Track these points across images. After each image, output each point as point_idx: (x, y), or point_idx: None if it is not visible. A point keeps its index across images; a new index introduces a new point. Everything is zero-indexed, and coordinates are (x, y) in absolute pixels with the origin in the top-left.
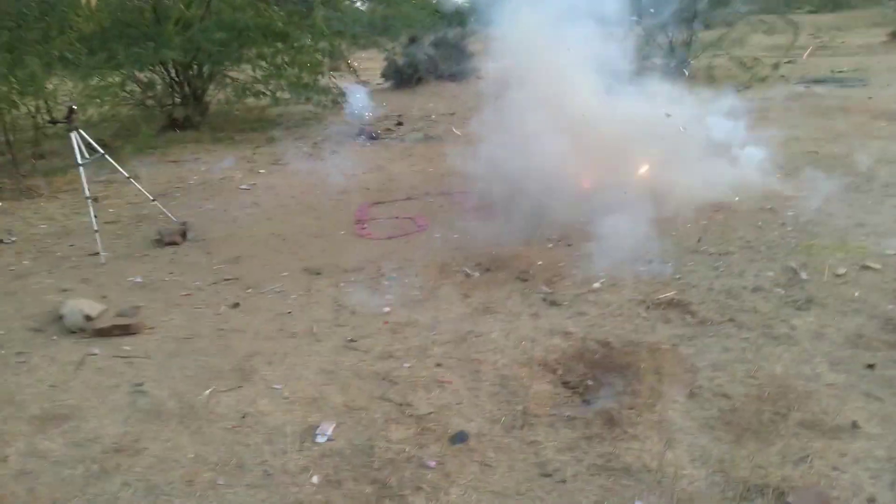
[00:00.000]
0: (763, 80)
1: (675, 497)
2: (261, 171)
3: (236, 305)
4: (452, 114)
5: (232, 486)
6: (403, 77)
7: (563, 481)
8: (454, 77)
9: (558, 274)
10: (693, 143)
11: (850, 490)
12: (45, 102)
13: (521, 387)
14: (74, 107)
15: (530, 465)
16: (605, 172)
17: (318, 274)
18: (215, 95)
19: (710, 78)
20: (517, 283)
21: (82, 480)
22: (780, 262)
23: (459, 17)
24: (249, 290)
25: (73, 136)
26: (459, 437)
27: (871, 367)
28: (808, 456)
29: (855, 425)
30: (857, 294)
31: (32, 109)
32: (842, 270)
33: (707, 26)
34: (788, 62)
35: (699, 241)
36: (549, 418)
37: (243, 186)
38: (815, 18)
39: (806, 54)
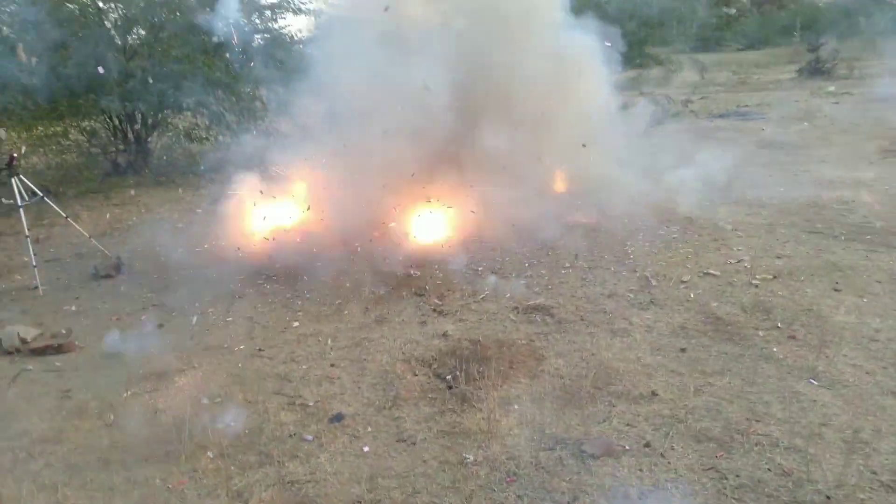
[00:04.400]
0: (675, 115)
1: (497, 449)
2: (197, 210)
3: (160, 326)
4: None
5: (142, 463)
6: None
7: (414, 443)
8: None
9: (451, 289)
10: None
11: (633, 439)
12: None
13: (398, 378)
14: (15, 154)
15: (391, 434)
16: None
17: (239, 296)
18: (158, 141)
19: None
20: (413, 298)
21: (10, 464)
22: (638, 273)
23: None
24: (174, 314)
25: (14, 181)
26: (336, 418)
27: (683, 350)
28: (610, 417)
29: (654, 393)
30: (692, 296)
31: None
32: (686, 278)
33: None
34: (702, 98)
35: (575, 257)
36: (414, 401)
37: (179, 225)
38: (742, 56)
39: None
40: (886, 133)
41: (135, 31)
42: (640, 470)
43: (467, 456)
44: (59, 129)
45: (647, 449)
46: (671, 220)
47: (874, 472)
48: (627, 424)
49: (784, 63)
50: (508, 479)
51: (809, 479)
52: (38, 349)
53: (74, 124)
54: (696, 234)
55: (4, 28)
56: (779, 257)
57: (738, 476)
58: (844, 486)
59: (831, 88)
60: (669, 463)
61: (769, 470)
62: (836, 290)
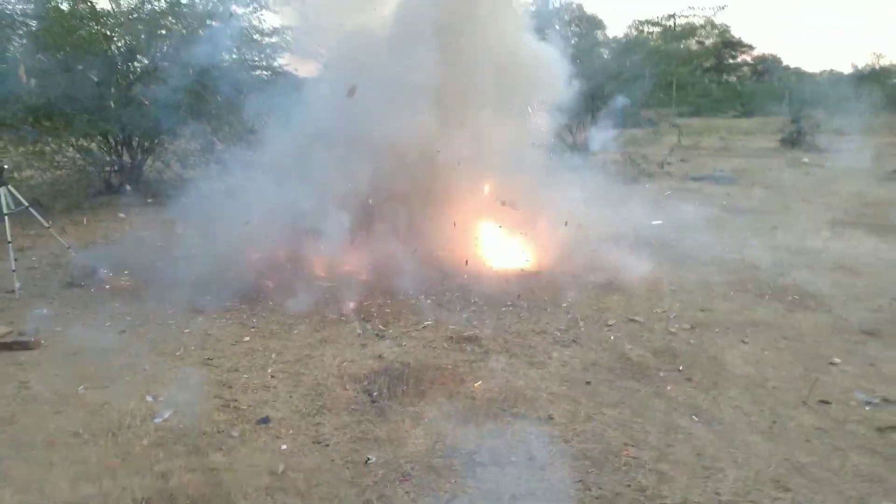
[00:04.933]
0: (651, 175)
1: (398, 454)
2: (178, 231)
3: (122, 332)
4: None
5: (83, 445)
6: None
7: (327, 445)
8: None
9: (396, 316)
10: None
11: (521, 453)
12: None
13: (328, 391)
14: (6, 166)
15: (309, 436)
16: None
17: (200, 312)
18: (152, 164)
19: (604, 170)
20: (361, 323)
21: None
22: (570, 315)
23: None
24: (137, 323)
25: (2, 190)
26: (264, 420)
27: (588, 383)
28: (505, 434)
29: (550, 417)
30: (612, 338)
31: None
32: (612, 322)
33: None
34: (682, 161)
35: (518, 297)
36: (338, 411)
37: (158, 244)
38: (734, 122)
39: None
40: (843, 204)
41: (137, 59)
42: (519, 479)
43: (370, 457)
44: (55, 145)
45: (529, 462)
46: (611, 270)
47: (718, 493)
48: (519, 441)
49: (771, 132)
50: (402, 479)
51: (660, 495)
52: (4, 344)
53: (71, 142)
54: (633, 284)
55: (11, 48)
56: (702, 310)
57: (600, 489)
58: (688, 502)
59: (805, 160)
60: (546, 475)
61: (628, 485)
62: (743, 343)
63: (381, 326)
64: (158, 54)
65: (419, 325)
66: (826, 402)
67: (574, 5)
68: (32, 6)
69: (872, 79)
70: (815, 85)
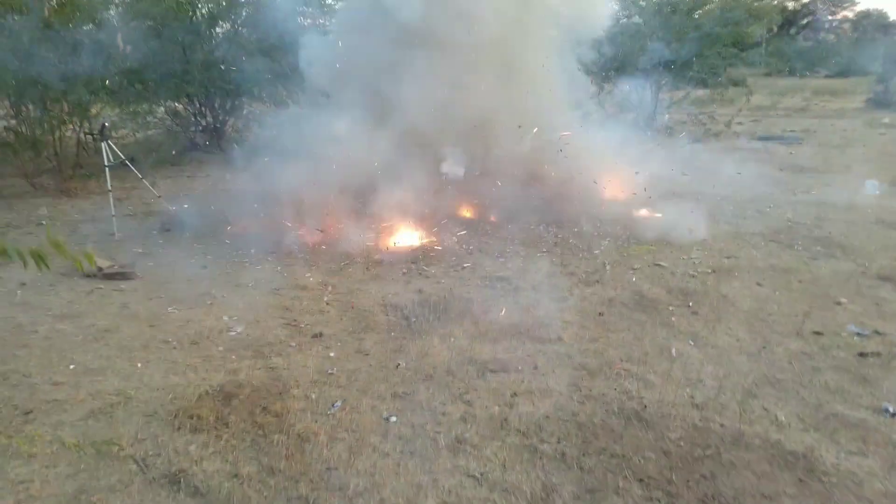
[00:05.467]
0: (717, 135)
1: (424, 361)
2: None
3: (204, 268)
4: None
5: (171, 350)
6: None
7: (367, 354)
8: None
9: (440, 259)
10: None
11: (528, 364)
12: (88, 123)
13: (372, 316)
14: (107, 124)
15: (353, 348)
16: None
17: (272, 254)
18: (234, 124)
19: (669, 131)
20: (408, 264)
21: (82, 342)
22: (600, 260)
23: None
24: (217, 261)
25: (104, 145)
26: (317, 335)
27: (600, 314)
28: (516, 350)
29: (559, 338)
30: (634, 279)
31: (77, 128)
32: (637, 266)
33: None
34: (754, 121)
35: (555, 244)
36: (379, 330)
37: (238, 196)
38: (824, 83)
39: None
40: None
41: (219, 25)
42: (521, 382)
43: (401, 363)
44: (146, 106)
45: (533, 370)
46: (650, 222)
47: (692, 397)
48: (528, 355)
49: (862, 92)
50: (424, 378)
51: (639, 397)
52: (109, 275)
53: (161, 104)
54: (669, 236)
55: (111, 17)
56: (727, 258)
57: (590, 391)
58: (663, 403)
59: (886, 120)
60: (545, 380)
61: (614, 389)
62: (758, 285)
63: (424, 267)
64: (238, 21)
65: (459, 266)
66: (819, 333)
67: None
68: None
69: None
70: None
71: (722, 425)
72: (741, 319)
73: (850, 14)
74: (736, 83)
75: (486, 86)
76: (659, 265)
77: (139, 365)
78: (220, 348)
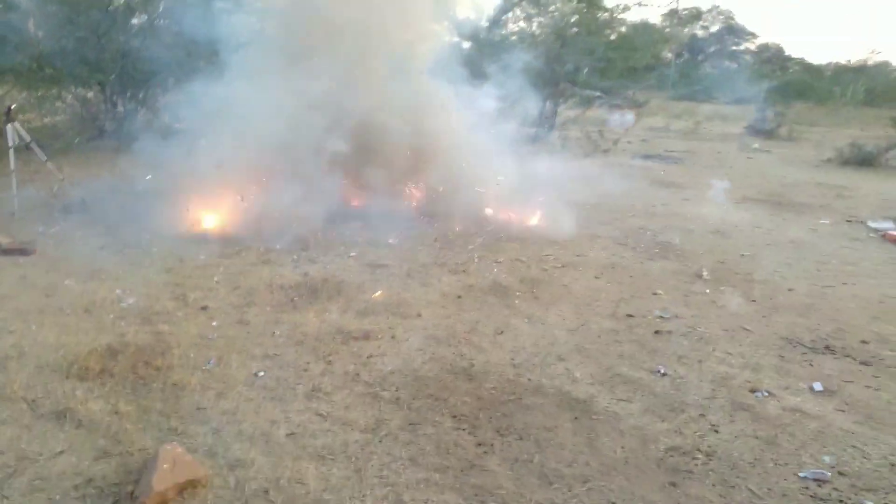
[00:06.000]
0: (605, 152)
1: (297, 331)
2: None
3: (102, 248)
4: None
5: (65, 316)
6: None
7: (248, 324)
8: None
9: (330, 247)
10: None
11: (386, 332)
12: None
13: (258, 293)
14: (13, 106)
15: (235, 319)
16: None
17: (167, 237)
18: (143, 114)
19: (560, 147)
20: (299, 251)
21: None
22: (470, 254)
23: None
24: (115, 242)
25: (9, 127)
26: (203, 308)
27: (459, 297)
28: (366, 321)
29: (419, 315)
30: (495, 270)
31: None
32: (501, 260)
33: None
34: (643, 140)
35: (435, 239)
36: (262, 306)
37: (137, 182)
38: (718, 109)
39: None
40: (761, 184)
41: (135, 16)
42: (378, 348)
43: (276, 331)
44: (55, 91)
45: (391, 339)
46: (522, 224)
47: (513, 360)
48: (389, 328)
49: (744, 119)
50: (294, 343)
51: (470, 358)
52: (7, 250)
53: (70, 90)
54: (534, 236)
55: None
56: (577, 255)
57: (432, 354)
58: (489, 363)
59: (756, 145)
60: (398, 346)
61: (452, 353)
62: (595, 278)
63: (313, 255)
64: (155, 13)
65: (346, 255)
66: (631, 316)
67: None
68: None
69: (859, 73)
70: (802, 75)
71: (529, 379)
72: (572, 304)
73: (751, 46)
74: (639, 104)
75: (374, 83)
76: (519, 260)
77: (34, 327)
78: (111, 316)
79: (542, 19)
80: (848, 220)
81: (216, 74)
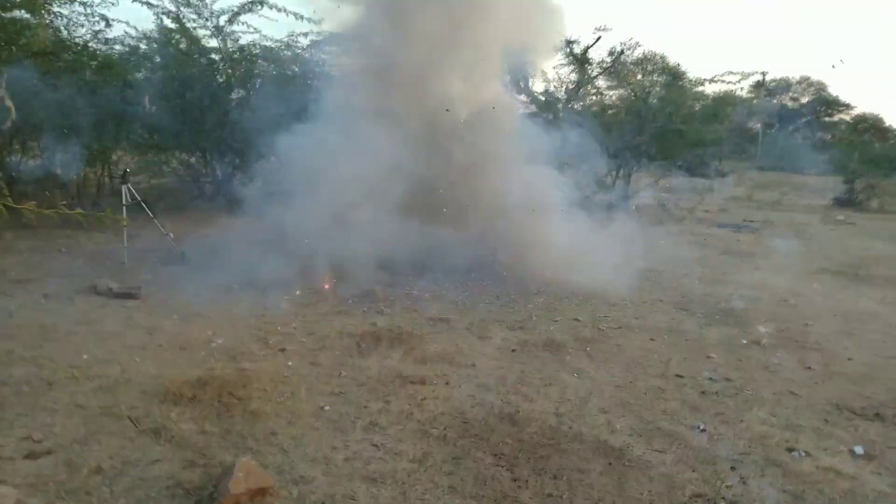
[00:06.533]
0: (680, 220)
1: (360, 372)
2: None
3: (197, 295)
4: None
5: (164, 351)
6: None
7: (318, 365)
8: None
9: (396, 302)
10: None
11: (441, 379)
12: (109, 167)
13: (329, 340)
14: (128, 170)
15: (308, 360)
16: None
17: (258, 289)
18: (240, 179)
19: (634, 214)
20: (368, 304)
21: (95, 341)
22: (529, 313)
23: None
24: (211, 290)
25: (124, 188)
26: (281, 349)
27: (513, 351)
28: (423, 368)
29: (473, 364)
30: (551, 328)
31: (99, 171)
32: (558, 319)
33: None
34: (722, 210)
35: (497, 297)
36: (333, 350)
37: (237, 239)
38: (807, 179)
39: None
40: (840, 257)
41: (234, 91)
42: (433, 391)
43: (342, 372)
44: (162, 157)
45: (446, 385)
46: (584, 286)
47: (557, 409)
48: (444, 374)
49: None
50: (358, 384)
51: (517, 406)
52: (118, 294)
53: (175, 156)
54: (595, 298)
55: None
56: (636, 318)
57: (482, 399)
58: (533, 411)
59: (840, 217)
60: (452, 391)
61: (501, 400)
62: (651, 340)
63: (382, 307)
64: (252, 89)
65: (411, 309)
66: (680, 376)
67: (658, 56)
68: (157, 45)
69: None
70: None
71: (570, 428)
72: (622, 362)
73: (846, 117)
74: (723, 174)
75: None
76: (576, 319)
77: (137, 359)
78: (202, 353)
79: (621, 91)
80: None
81: (305, 145)
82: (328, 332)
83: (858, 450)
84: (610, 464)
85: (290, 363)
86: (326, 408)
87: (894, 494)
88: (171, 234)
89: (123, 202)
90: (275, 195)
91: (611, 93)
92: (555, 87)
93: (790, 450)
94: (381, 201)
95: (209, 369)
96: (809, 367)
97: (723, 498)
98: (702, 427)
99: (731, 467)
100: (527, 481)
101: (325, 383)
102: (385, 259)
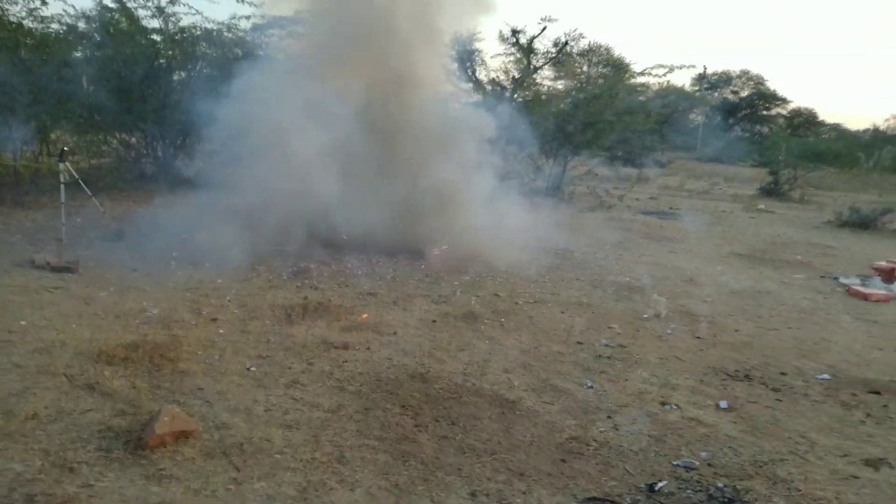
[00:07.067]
0: (609, 207)
1: (288, 339)
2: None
3: (134, 270)
4: None
5: (100, 319)
6: None
7: (248, 332)
8: None
9: (332, 277)
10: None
11: (362, 344)
12: (47, 146)
13: (261, 311)
14: (65, 149)
15: (239, 328)
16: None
17: (192, 264)
18: (181, 159)
19: (569, 199)
20: (301, 279)
21: (31, 311)
22: (454, 289)
23: None
24: (146, 266)
25: (62, 165)
26: (213, 320)
27: (434, 321)
28: (348, 335)
29: (394, 332)
30: (472, 302)
31: (37, 150)
32: (480, 293)
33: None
34: (652, 198)
35: (427, 275)
36: (262, 320)
37: (173, 218)
38: (740, 171)
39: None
40: (753, 242)
41: (176, 73)
42: (354, 355)
43: (270, 338)
44: (101, 136)
45: (367, 350)
46: (508, 265)
47: (464, 369)
48: (367, 341)
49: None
50: (284, 349)
51: (429, 366)
52: (55, 267)
53: (115, 136)
54: (518, 276)
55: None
56: (552, 294)
57: (398, 362)
58: (443, 371)
59: (761, 206)
60: (372, 355)
61: (415, 362)
62: (561, 312)
63: (315, 283)
64: (194, 71)
65: (343, 284)
66: (580, 343)
67: (602, 48)
68: (97, 24)
69: (889, 140)
70: (827, 142)
71: (473, 384)
72: (532, 331)
73: (783, 111)
74: (662, 165)
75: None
76: (496, 294)
77: (73, 326)
78: (136, 321)
79: (566, 81)
80: (822, 276)
81: (245, 126)
82: (260, 304)
83: (723, 404)
84: (503, 413)
85: (221, 331)
86: (252, 368)
87: (742, 438)
88: (108, 213)
89: (61, 181)
90: (215, 174)
91: (555, 83)
92: (498, 76)
93: (663, 403)
94: (320, 180)
95: (142, 335)
96: (699, 337)
97: (594, 440)
98: (589, 384)
99: (608, 416)
100: (427, 426)
101: (252, 348)
102: (323, 238)
